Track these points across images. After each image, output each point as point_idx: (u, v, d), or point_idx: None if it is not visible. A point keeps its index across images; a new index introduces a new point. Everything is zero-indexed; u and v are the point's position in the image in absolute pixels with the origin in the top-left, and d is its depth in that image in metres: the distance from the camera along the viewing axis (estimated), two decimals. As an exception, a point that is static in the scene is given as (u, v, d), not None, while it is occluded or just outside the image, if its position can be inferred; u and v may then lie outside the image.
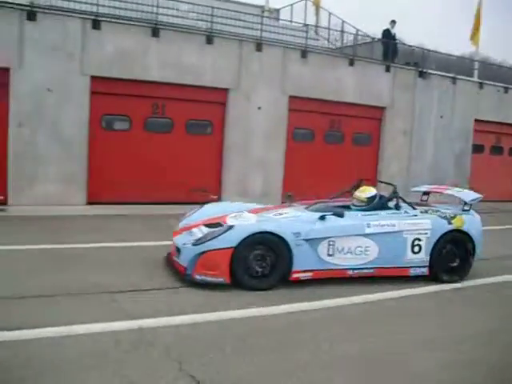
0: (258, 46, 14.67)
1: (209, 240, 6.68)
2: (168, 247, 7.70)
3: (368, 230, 7.23)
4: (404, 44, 19.05)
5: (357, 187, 8.05)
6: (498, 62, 28.05)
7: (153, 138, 13.70)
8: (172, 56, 13.53)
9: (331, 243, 7.05)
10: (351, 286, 7.11)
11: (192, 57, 13.77)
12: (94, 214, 11.98)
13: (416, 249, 7.49)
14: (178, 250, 7.05)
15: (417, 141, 17.68)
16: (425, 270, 7.60)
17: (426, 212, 7.86)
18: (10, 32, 11.90)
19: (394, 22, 17.90)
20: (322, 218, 7.11)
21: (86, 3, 13.09)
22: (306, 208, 7.84)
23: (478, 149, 19.41)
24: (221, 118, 14.52)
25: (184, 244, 6.96)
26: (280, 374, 4.49)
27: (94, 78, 12.81)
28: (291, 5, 20.72)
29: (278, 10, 21.72)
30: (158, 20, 13.63)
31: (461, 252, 7.77)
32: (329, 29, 19.29)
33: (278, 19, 20.53)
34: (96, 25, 12.69)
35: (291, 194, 8.77)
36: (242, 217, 7.17)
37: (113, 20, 13.03)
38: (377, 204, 7.69)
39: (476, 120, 18.92)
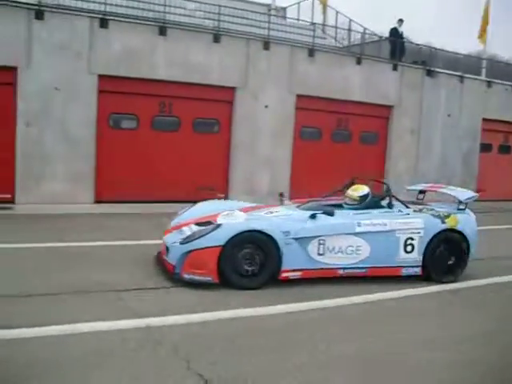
0: (266, 45, 14.67)
1: (196, 238, 6.60)
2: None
3: (359, 229, 7.12)
4: (411, 43, 19.00)
5: (350, 186, 7.93)
6: (505, 60, 27.86)
7: (160, 137, 13.73)
8: (179, 55, 13.55)
9: (321, 242, 6.96)
10: (352, 286, 7.05)
11: (199, 55, 13.79)
12: (101, 212, 12.03)
13: (409, 248, 7.38)
14: (168, 248, 7.00)
15: (424, 139, 17.63)
16: (418, 270, 7.47)
17: (420, 211, 7.73)
18: (17, 31, 11.97)
19: (401, 20, 17.86)
20: (313, 216, 7.01)
21: (93, 2, 13.13)
22: (298, 207, 7.75)
23: (485, 148, 19.35)
24: (228, 116, 14.54)
25: (173, 243, 6.90)
26: (286, 372, 4.48)
27: (101, 77, 12.87)
28: (298, 3, 20.68)
29: (284, 9, 21.69)
30: (165, 19, 13.65)
31: (455, 252, 7.63)
32: (336, 27, 19.25)
33: (285, 18, 20.51)
34: (104, 23, 12.74)
35: (283, 193, 8.71)
36: (232, 215, 7.05)
37: (120, 19, 13.07)
38: (369, 203, 7.55)
39: (484, 119, 18.86)
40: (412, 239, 7.38)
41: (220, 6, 14.48)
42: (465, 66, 19.21)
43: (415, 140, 17.47)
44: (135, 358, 4.56)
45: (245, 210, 7.50)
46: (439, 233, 7.50)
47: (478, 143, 18.99)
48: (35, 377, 4.11)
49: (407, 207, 7.76)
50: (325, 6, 20.19)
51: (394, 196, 7.80)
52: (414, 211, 7.68)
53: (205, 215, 7.37)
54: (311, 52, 15.38)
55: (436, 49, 18.73)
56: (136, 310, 5.70)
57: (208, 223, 6.92)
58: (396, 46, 17.41)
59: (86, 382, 4.12)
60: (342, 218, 7.20)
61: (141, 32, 13.20)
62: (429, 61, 17.89)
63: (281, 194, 8.62)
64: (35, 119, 12.31)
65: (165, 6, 13.79)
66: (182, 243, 6.72)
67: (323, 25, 19.95)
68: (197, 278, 6.50)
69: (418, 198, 8.79)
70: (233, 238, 6.49)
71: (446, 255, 7.58)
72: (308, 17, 19.79)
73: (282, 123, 15.08)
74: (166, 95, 13.64)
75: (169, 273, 6.80)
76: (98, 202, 12.98)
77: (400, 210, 7.59)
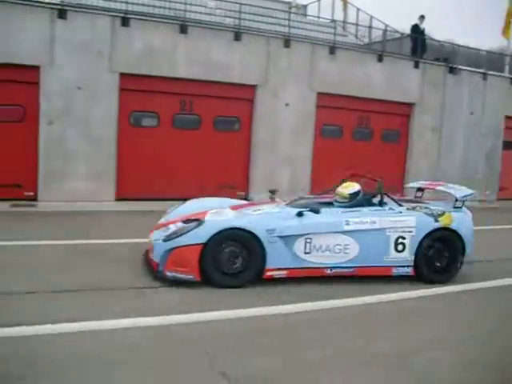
0: (286, 43, 14.63)
1: (179, 236, 6.54)
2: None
3: (347, 228, 6.97)
4: (433, 39, 18.82)
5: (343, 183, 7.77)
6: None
7: (180, 135, 13.76)
8: (200, 53, 13.56)
9: (308, 240, 6.82)
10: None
11: (220, 53, 13.79)
12: (122, 210, 12.10)
13: (400, 247, 7.19)
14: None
15: (446, 138, 17.47)
16: (409, 270, 7.28)
17: (413, 209, 7.51)
18: (41, 31, 12.07)
19: (422, 17, 17.69)
20: (300, 214, 6.89)
21: (115, 1, 13.21)
22: (287, 204, 7.60)
23: (508, 145, 19.06)
24: (248, 114, 14.53)
25: (156, 240, 6.85)
26: (307, 369, 4.49)
27: (122, 75, 12.93)
28: (318, 0, 20.61)
29: (305, 6, 21.64)
30: (186, 17, 13.67)
31: (449, 251, 7.43)
32: (357, 24, 19.16)
33: (305, 15, 20.46)
34: (125, 22, 12.79)
35: (273, 190, 8.61)
36: (221, 213, 6.94)
37: (141, 17, 13.11)
38: (360, 200, 7.40)
39: (507, 116, 18.61)
40: (403, 238, 7.19)
41: (240, 3, 14.48)
42: (488, 62, 18.94)
43: (437, 138, 17.31)
44: (158, 355, 4.57)
45: (234, 208, 7.41)
46: (432, 232, 7.31)
47: (501, 141, 18.72)
48: (52, 372, 4.19)
49: (400, 205, 7.55)
50: (345, 3, 20.11)
51: (386, 194, 7.62)
52: (407, 209, 7.48)
53: (194, 212, 7.23)
54: (332, 49, 15.30)
55: (458, 45, 18.57)
56: (157, 307, 5.74)
57: (195, 221, 6.80)
58: (417, 42, 17.25)
59: (110, 378, 4.15)
60: (330, 215, 7.07)
61: (162, 30, 13.24)
62: (451, 58, 17.72)
63: (271, 191, 8.51)
64: (57, 118, 12.41)
65: (185, 4, 13.80)
66: (164, 240, 6.66)
67: (344, 22, 19.88)
68: (179, 275, 6.44)
69: (416, 196, 8.62)
70: (215, 235, 6.40)
71: (439, 255, 7.40)
72: (328, 14, 19.77)
73: (303, 121, 15.03)
74: (186, 93, 13.66)
75: (153, 271, 6.74)
76: (119, 199, 13.05)
77: (391, 208, 7.40)
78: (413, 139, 17.02)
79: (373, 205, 7.48)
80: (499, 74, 18.98)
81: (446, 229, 7.40)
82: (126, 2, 13.03)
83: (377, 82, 15.99)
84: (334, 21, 19.06)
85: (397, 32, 18.95)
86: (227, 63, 13.89)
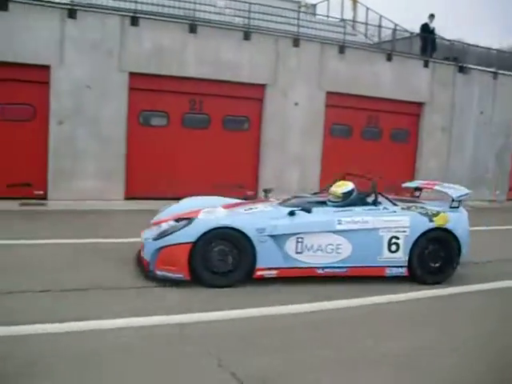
0: (295, 42, 14.62)
1: (168, 234, 6.51)
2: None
3: (339, 227, 6.87)
4: (443, 38, 18.73)
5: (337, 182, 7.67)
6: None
7: (190, 134, 13.77)
8: (209, 52, 13.57)
9: (299, 240, 6.73)
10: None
11: (229, 53, 13.80)
12: (131, 209, 12.11)
13: (393, 247, 7.07)
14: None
15: (456, 137, 17.38)
16: (403, 271, 7.16)
17: (408, 209, 7.38)
18: (51, 30, 12.13)
19: (432, 16, 17.59)
20: (292, 213, 6.81)
21: (124, 1, 13.23)
22: (281, 203, 7.50)
23: (519, 145, 18.99)
24: (258, 113, 14.52)
25: (147, 239, 6.81)
26: (311, 369, 4.48)
27: (132, 75, 12.96)
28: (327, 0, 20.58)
29: (314, 6, 21.59)
30: (195, 16, 13.69)
31: (444, 252, 7.29)
32: (366, 24, 19.11)
33: (314, 14, 20.43)
34: (134, 22, 12.82)
35: (268, 189, 8.50)
36: (213, 212, 6.88)
37: (151, 17, 13.13)
38: (354, 200, 7.28)
39: (517, 116, 18.52)
40: (397, 238, 7.08)
41: (250, 3, 14.46)
42: (499, 61, 18.83)
43: (447, 138, 17.23)
44: (166, 354, 4.58)
45: (227, 207, 7.36)
46: (427, 232, 7.19)
47: (511, 140, 18.64)
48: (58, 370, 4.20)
49: (394, 205, 7.43)
50: (355, 2, 20.05)
51: (380, 193, 7.53)
52: (402, 209, 7.37)
53: (187, 211, 7.16)
54: (341, 49, 15.28)
55: (468, 44, 18.45)
56: (167, 306, 5.75)
57: (186, 220, 6.74)
58: (427, 42, 17.19)
59: (120, 377, 4.16)
60: (322, 215, 6.99)
61: (171, 30, 13.26)
62: (461, 57, 17.63)
63: (265, 191, 8.40)
64: (67, 117, 12.46)
65: (195, 3, 13.82)
66: (154, 239, 6.63)
67: (353, 21, 19.81)
68: (169, 274, 6.41)
69: (413, 196, 8.50)
70: (204, 234, 6.36)
71: (434, 255, 7.27)
72: (338, 13, 19.70)
73: (312, 120, 15.01)
74: (196, 93, 13.67)
75: (144, 270, 6.71)
76: (128, 198, 13.08)
77: (385, 208, 7.30)
78: (422, 139, 16.95)
79: (367, 204, 7.37)
80: (510, 72, 18.85)
81: (441, 229, 7.28)
82: (136, 2, 13.05)
83: (386, 81, 15.95)
84: (343, 20, 19.00)
85: (406, 31, 18.87)
86: (236, 62, 13.89)
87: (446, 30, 21.12)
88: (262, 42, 14.21)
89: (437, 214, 7.33)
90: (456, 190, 7.87)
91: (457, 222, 7.42)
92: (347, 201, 7.25)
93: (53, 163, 12.49)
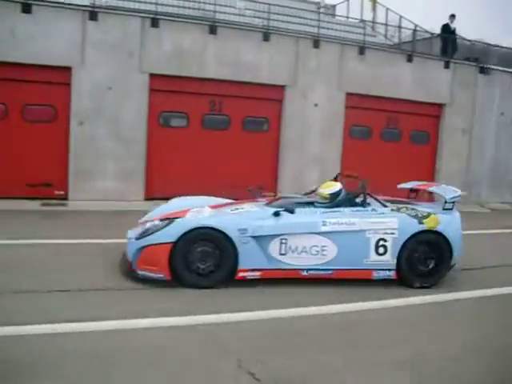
0: (315, 43, 14.59)
1: (149, 234, 6.46)
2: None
3: (324, 228, 6.73)
4: (464, 39, 18.59)
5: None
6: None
7: (210, 135, 13.80)
8: (229, 53, 13.59)
9: (283, 241, 6.63)
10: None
11: (249, 54, 13.81)
12: (151, 209, 12.11)
13: (381, 250, 6.88)
14: None
15: (476, 138, 17.20)
16: (391, 274, 6.97)
17: (398, 210, 7.16)
18: (72, 32, 12.25)
19: (453, 16, 17.43)
20: (276, 214, 6.71)
21: (145, 2, 13.30)
22: (267, 204, 7.36)
23: (540, 146, 18.76)
24: (277, 115, 14.52)
25: (130, 238, 6.77)
26: (332, 373, 4.48)
27: (152, 76, 13.03)
28: (347, 0, 20.50)
29: (334, 6, 21.53)
30: (215, 18, 13.73)
31: (435, 255, 7.10)
32: (386, 24, 19.02)
33: (334, 15, 20.37)
34: (155, 23, 12.89)
35: (256, 188, 8.35)
36: (201, 212, 6.84)
37: (171, 18, 13.19)
38: (341, 201, 7.17)
39: (539, 117, 18.29)
40: (385, 240, 6.89)
41: (269, 4, 14.47)
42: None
43: (467, 139, 17.06)
44: (186, 355, 4.59)
45: (215, 207, 7.29)
46: (416, 234, 6.99)
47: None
48: (96, 369, 4.22)
49: (384, 206, 7.25)
50: (374, 2, 19.96)
51: (369, 194, 7.37)
52: (392, 210, 7.17)
53: (175, 211, 7.10)
54: (361, 50, 15.21)
55: (490, 45, 18.29)
56: (187, 307, 5.75)
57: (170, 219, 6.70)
58: (448, 42, 17.05)
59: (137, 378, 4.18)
60: (307, 216, 6.87)
61: (191, 31, 13.31)
62: (482, 57, 17.47)
63: (252, 190, 8.24)
64: (88, 118, 12.56)
65: (215, 5, 13.87)
66: (137, 238, 6.59)
67: (373, 22, 19.72)
68: (150, 274, 6.37)
69: (409, 197, 8.30)
70: (185, 234, 6.31)
71: (424, 258, 7.08)
72: (357, 14, 19.64)
73: (332, 121, 14.97)
74: (216, 94, 13.70)
75: (129, 270, 6.66)
76: (148, 199, 13.13)
77: (374, 209, 7.12)
78: (442, 140, 16.81)
79: (355, 205, 7.22)
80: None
81: (431, 231, 7.07)
82: (156, 3, 13.12)
83: (406, 82, 15.85)
84: (363, 21, 18.94)
85: (427, 32, 18.74)
86: (256, 64, 13.90)
87: (468, 30, 20.89)
88: (281, 43, 14.20)
89: (427, 215, 7.14)
90: (449, 192, 7.66)
91: (448, 224, 7.20)
92: (335, 202, 7.15)
93: (73, 164, 12.60)
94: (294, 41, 14.39)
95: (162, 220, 6.80)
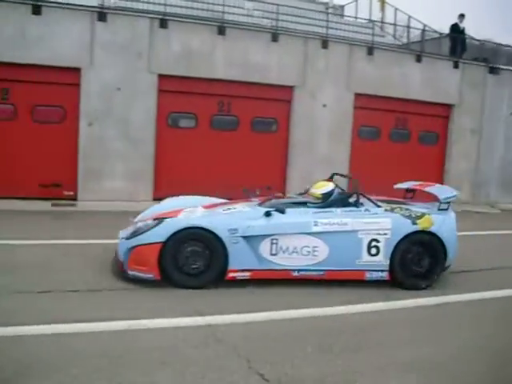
0: (324, 43, 14.57)
1: (139, 234, 6.46)
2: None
3: (315, 229, 6.66)
4: (473, 39, 18.51)
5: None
6: None
7: (218, 136, 13.81)
8: (238, 54, 13.60)
9: (274, 241, 6.58)
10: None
11: (257, 55, 13.81)
12: (160, 210, 12.17)
13: (373, 251, 6.80)
14: None
15: (486, 139, 17.12)
16: (384, 275, 6.89)
17: (392, 210, 7.07)
18: (81, 33, 12.30)
19: (462, 15, 17.37)
20: (267, 214, 6.66)
21: (153, 3, 13.33)
22: (260, 204, 7.27)
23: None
24: (286, 115, 14.51)
25: (121, 238, 6.75)
26: (349, 374, 4.45)
27: (161, 77, 13.06)
28: (356, 1, 20.46)
29: (342, 7, 21.49)
30: (223, 19, 13.73)
31: (429, 256, 7.00)
32: (395, 25, 18.98)
33: (342, 16, 20.31)
34: (163, 24, 12.92)
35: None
36: (193, 212, 6.82)
37: (180, 19, 13.22)
38: (334, 201, 7.11)
39: (549, 117, 18.19)
40: (377, 241, 6.81)
41: (278, 5, 14.46)
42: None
43: (476, 140, 16.98)
44: (196, 356, 4.59)
45: (207, 207, 7.27)
46: (410, 235, 6.91)
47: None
48: (105, 369, 4.22)
49: (377, 206, 7.16)
50: (383, 3, 19.91)
51: (362, 194, 7.29)
52: (385, 210, 7.08)
53: (168, 211, 7.07)
54: (370, 50, 15.18)
55: (499, 44, 18.17)
56: (197, 307, 5.75)
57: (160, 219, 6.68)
58: (457, 42, 16.99)
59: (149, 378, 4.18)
60: (298, 216, 6.82)
61: (200, 32, 13.32)
62: (491, 57, 17.38)
63: (246, 190, 8.17)
64: (97, 118, 12.60)
65: (223, 5, 13.87)
66: (127, 238, 6.58)
67: (381, 22, 19.67)
68: (139, 274, 6.35)
69: (405, 197, 8.19)
70: (175, 234, 6.29)
71: (417, 259, 6.98)
72: (366, 14, 19.58)
73: (340, 122, 14.94)
74: (224, 94, 13.72)
75: (120, 270, 6.64)
76: (156, 199, 13.13)
77: (367, 210, 7.04)
78: (451, 140, 16.74)
79: (348, 205, 7.16)
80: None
81: (425, 232, 6.99)
82: (165, 4, 13.14)
83: (415, 82, 15.80)
84: (371, 21, 18.89)
85: (435, 32, 18.67)
86: (265, 64, 13.90)
87: (478, 29, 20.80)
88: (290, 43, 14.20)
89: (421, 216, 7.06)
90: (444, 192, 7.60)
91: (442, 224, 7.11)
92: (327, 202, 7.10)
93: (82, 164, 12.65)
94: (302, 41, 14.38)
95: (154, 220, 6.79)
